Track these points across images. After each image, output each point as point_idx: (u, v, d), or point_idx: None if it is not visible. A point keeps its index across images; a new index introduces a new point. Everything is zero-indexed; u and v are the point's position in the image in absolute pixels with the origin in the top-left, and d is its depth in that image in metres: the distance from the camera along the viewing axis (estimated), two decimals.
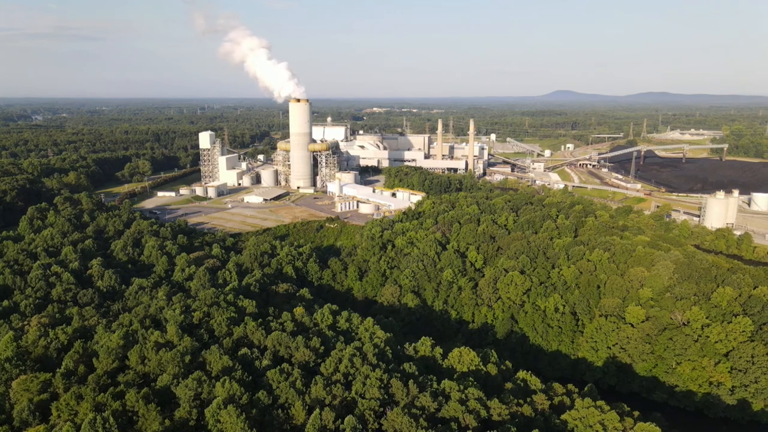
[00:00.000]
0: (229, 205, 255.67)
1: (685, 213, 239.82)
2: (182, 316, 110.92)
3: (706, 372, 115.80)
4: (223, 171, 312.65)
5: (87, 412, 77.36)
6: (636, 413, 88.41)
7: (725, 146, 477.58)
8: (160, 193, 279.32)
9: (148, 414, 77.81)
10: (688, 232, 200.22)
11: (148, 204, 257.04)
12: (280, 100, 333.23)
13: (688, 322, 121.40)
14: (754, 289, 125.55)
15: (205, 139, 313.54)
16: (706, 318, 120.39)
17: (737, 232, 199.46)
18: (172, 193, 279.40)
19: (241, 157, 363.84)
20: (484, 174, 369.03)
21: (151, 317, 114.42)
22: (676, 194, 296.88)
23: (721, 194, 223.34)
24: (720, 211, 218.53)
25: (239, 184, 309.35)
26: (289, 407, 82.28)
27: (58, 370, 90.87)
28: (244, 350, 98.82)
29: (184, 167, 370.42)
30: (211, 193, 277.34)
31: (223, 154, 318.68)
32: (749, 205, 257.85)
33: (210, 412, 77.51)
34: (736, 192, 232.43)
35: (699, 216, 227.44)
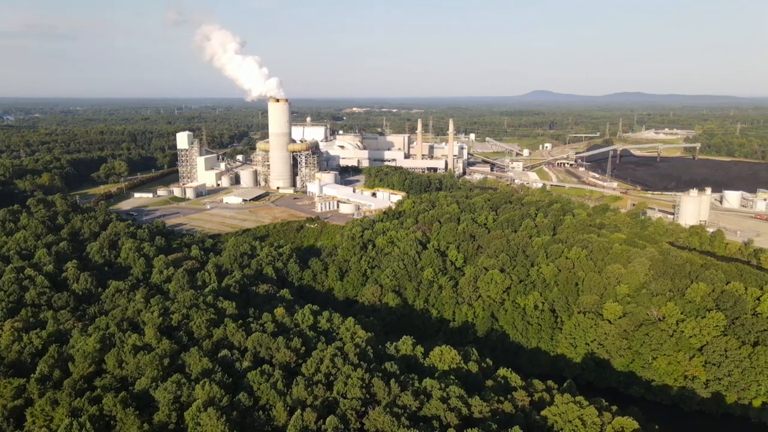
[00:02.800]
0: (208, 206, 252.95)
1: (660, 211, 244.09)
2: (160, 318, 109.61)
3: (682, 366, 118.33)
4: (201, 171, 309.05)
5: (63, 417, 76.12)
6: (614, 408, 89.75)
7: (698, 145, 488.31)
8: (137, 194, 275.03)
9: (126, 418, 76.77)
10: (663, 229, 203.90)
11: (125, 205, 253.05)
12: (249, 98, 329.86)
13: (664, 318, 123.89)
14: (726, 284, 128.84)
15: (182, 139, 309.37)
16: (681, 313, 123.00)
17: (710, 229, 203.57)
18: (150, 194, 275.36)
19: (220, 157, 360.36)
20: (464, 173, 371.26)
21: (128, 320, 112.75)
22: (651, 192, 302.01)
23: (694, 192, 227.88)
24: (693, 208, 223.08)
25: (218, 185, 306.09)
26: (270, 408, 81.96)
27: (32, 375, 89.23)
28: (224, 352, 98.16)
29: (162, 168, 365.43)
30: (190, 193, 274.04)
31: (201, 155, 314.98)
32: (721, 202, 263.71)
33: (190, 414, 76.83)
34: (708, 190, 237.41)
35: (673, 213, 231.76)
